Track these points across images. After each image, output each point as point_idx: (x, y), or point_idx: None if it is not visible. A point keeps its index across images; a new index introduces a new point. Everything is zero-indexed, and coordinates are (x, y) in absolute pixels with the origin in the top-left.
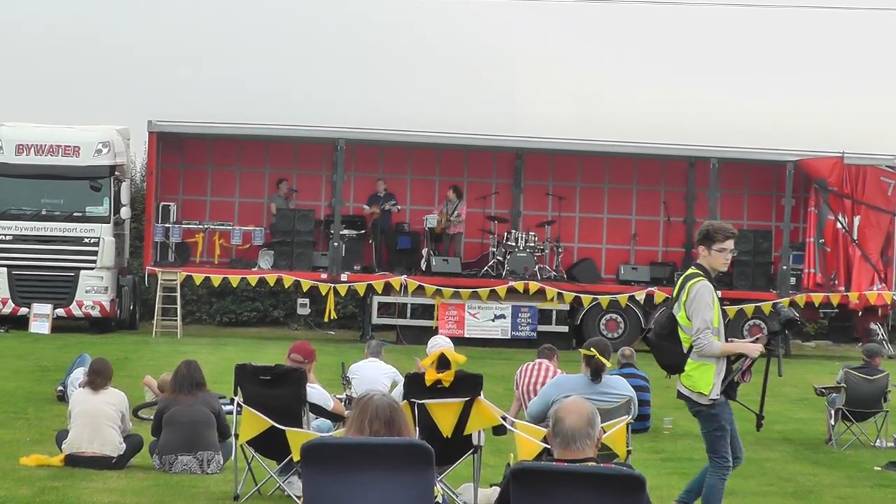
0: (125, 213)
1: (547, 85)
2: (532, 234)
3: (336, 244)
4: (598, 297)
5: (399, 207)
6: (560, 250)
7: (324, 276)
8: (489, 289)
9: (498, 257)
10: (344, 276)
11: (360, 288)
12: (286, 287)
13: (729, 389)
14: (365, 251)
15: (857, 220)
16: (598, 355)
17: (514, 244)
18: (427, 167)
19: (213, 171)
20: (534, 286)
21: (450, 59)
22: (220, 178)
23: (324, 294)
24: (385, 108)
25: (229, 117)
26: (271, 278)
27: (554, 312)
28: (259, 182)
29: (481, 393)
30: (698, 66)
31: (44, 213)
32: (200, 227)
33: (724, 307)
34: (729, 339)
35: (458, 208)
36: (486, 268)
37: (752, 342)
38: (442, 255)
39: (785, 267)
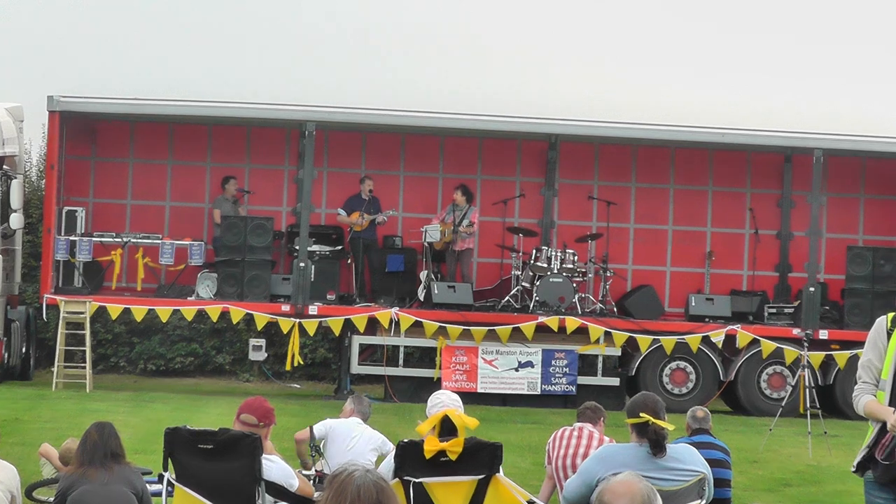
0: (15, 221)
1: (590, 52)
2: (570, 252)
3: (303, 265)
4: (661, 338)
5: (389, 215)
6: (608, 275)
7: (285, 307)
8: (511, 326)
9: (524, 283)
10: (313, 309)
11: (336, 325)
12: (234, 323)
13: (870, 464)
14: (342, 275)
15: None
16: (653, 420)
17: (544, 266)
18: (427, 160)
19: (135, 164)
20: (572, 323)
21: (455, 16)
22: (146, 173)
23: (285, 333)
24: (369, 82)
25: (158, 94)
26: (214, 311)
27: (600, 359)
28: (198, 180)
29: (500, 469)
30: (799, 28)
31: None
32: (118, 240)
33: (834, 351)
34: None
35: (467, 216)
36: (506, 298)
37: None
38: (447, 279)
39: None
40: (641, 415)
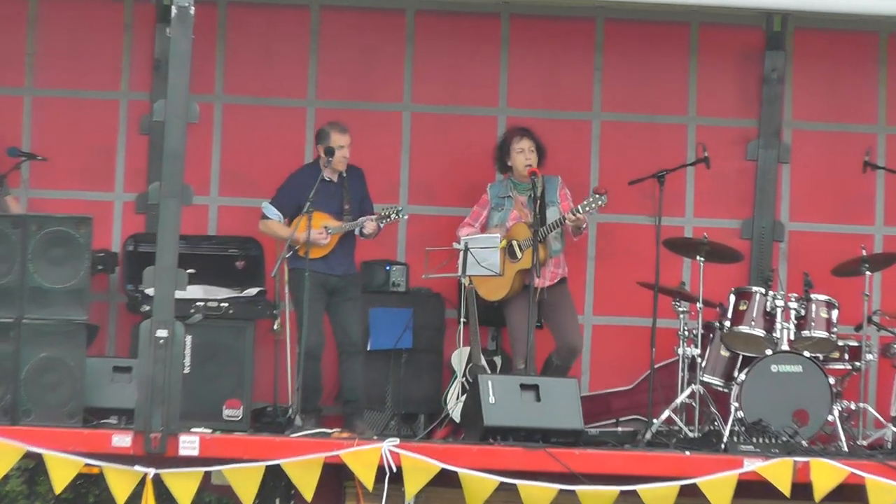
0: None
1: None
2: (821, 300)
3: (164, 334)
4: None
5: (391, 214)
6: None
7: (121, 439)
8: (676, 483)
9: (708, 380)
10: (189, 444)
11: (245, 481)
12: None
13: None
14: (262, 357)
15: None
16: None
17: (761, 336)
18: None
19: None
20: (828, 476)
21: None
22: None
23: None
24: None
25: None
26: None
27: None
28: None
29: None
30: None
31: None
32: None
33: None
34: None
35: (552, 194)
36: (665, 411)
37: None
38: (515, 365)
39: None
40: None
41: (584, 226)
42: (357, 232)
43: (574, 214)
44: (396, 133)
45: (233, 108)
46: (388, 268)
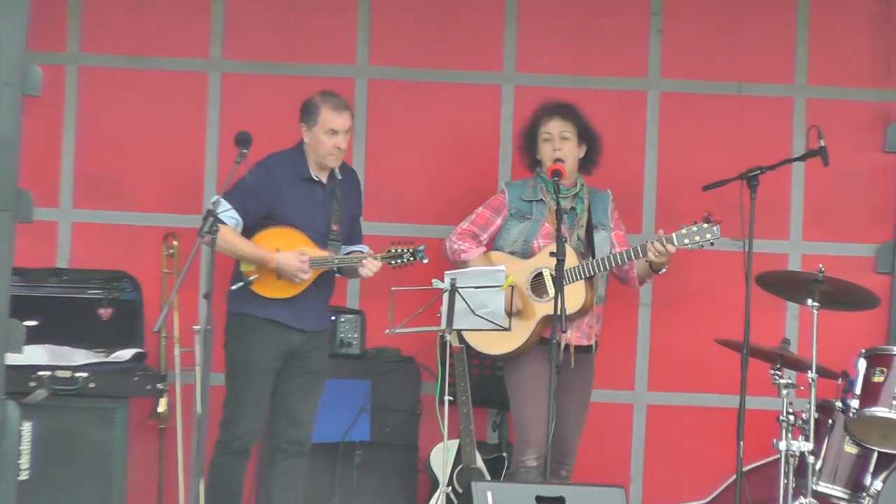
0: None
1: None
2: None
3: None
4: None
5: (402, 258)
6: None
7: None
8: None
9: None
10: None
11: None
12: None
13: None
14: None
15: None
16: None
17: None
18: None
19: None
20: None
21: None
22: None
23: None
24: None
25: None
26: None
27: None
28: None
29: None
30: None
31: None
32: None
33: None
34: None
35: (604, 211)
36: None
37: None
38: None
39: None
40: None
41: (665, 268)
42: (335, 270)
43: (664, 245)
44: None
45: (94, 73)
46: (332, 318)
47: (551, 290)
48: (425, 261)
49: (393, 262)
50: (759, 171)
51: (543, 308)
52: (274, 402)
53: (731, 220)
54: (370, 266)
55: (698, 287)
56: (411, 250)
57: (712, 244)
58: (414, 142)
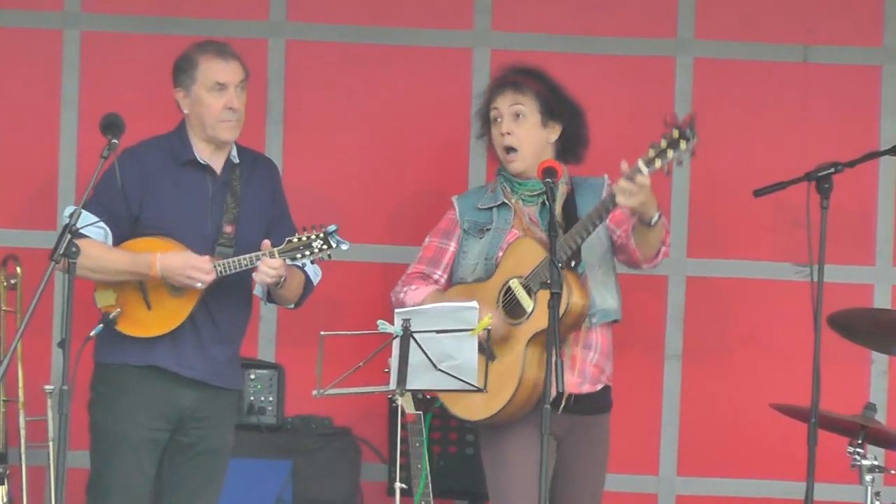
0: None
1: None
2: None
3: None
4: None
5: (310, 248)
6: None
7: None
8: None
9: None
10: None
11: None
12: None
13: None
14: None
15: None
16: None
17: None
18: None
19: None
20: None
21: None
22: None
23: None
24: None
25: None
26: None
27: None
28: None
29: None
30: None
31: None
32: None
33: None
34: None
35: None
36: None
37: None
38: None
39: None
40: None
41: (656, 216)
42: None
43: (632, 180)
44: (260, 81)
45: None
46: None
47: (527, 303)
48: (344, 246)
49: (298, 255)
50: (832, 170)
51: (526, 330)
52: (158, 492)
53: (795, 239)
54: (266, 269)
55: (747, 331)
56: (320, 234)
57: (693, 153)
58: (351, 127)
